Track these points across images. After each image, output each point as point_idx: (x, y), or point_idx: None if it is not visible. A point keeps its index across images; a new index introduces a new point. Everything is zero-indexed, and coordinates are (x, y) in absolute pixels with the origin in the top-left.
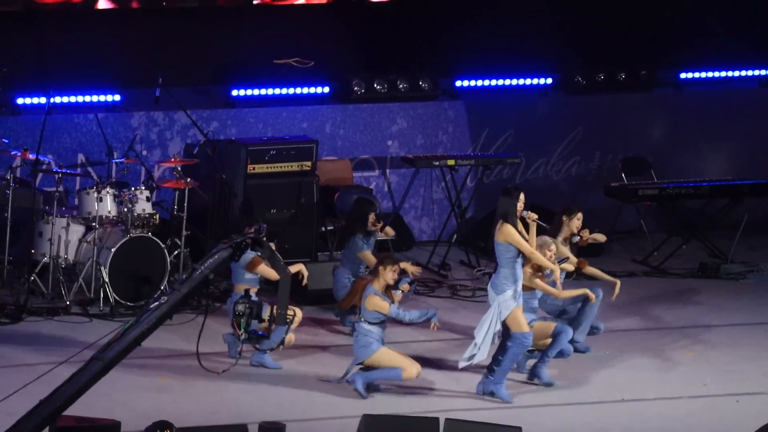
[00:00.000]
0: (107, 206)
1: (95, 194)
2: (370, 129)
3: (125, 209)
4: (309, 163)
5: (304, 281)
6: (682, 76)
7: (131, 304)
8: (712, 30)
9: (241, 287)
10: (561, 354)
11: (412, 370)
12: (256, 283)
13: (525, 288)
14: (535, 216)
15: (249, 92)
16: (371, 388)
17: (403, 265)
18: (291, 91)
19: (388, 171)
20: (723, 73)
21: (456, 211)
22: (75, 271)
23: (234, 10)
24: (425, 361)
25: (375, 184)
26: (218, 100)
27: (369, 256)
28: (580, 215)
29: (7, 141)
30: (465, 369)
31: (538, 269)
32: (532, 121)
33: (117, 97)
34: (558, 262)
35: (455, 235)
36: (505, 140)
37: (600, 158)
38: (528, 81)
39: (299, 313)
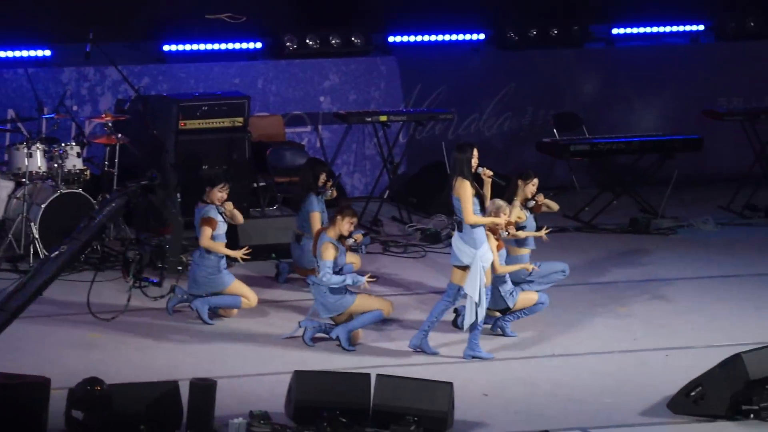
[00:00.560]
0: (37, 162)
1: (25, 150)
2: (302, 85)
3: (55, 165)
4: (241, 119)
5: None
6: (614, 31)
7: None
8: None
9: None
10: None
11: (388, 306)
12: (222, 239)
13: None
14: (491, 172)
15: (180, 47)
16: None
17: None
18: (223, 46)
19: (320, 127)
20: (655, 29)
21: (388, 167)
22: (4, 227)
23: None
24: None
25: (307, 140)
26: (149, 56)
27: (317, 218)
28: (535, 181)
29: None
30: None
31: (494, 232)
32: (464, 77)
33: (47, 53)
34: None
35: (387, 191)
36: (438, 96)
37: (532, 114)
38: (460, 37)
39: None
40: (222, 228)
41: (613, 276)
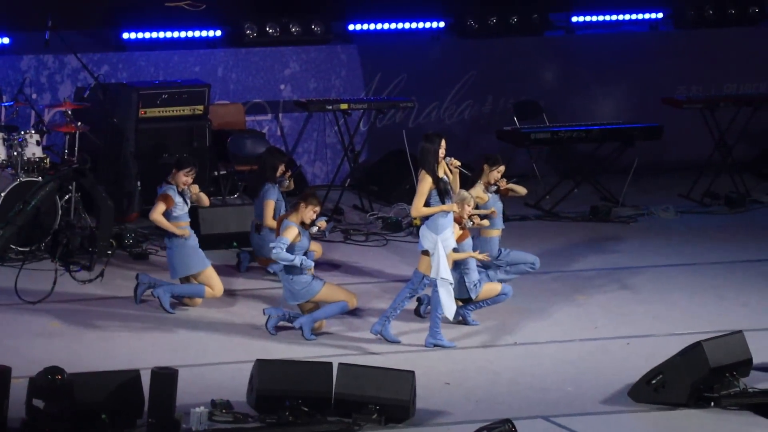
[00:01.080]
0: None
1: None
2: (262, 73)
3: (15, 153)
4: (201, 107)
5: None
6: (574, 19)
7: (22, 249)
8: None
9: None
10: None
11: (353, 299)
12: (184, 219)
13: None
14: (458, 162)
15: (140, 35)
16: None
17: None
18: (183, 34)
19: (280, 115)
20: (614, 17)
21: (349, 155)
22: None
23: None
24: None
25: (268, 128)
26: (109, 44)
27: (271, 206)
28: (501, 168)
29: None
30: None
31: (457, 222)
32: (424, 65)
33: (6, 40)
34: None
35: (348, 180)
36: (398, 84)
37: (492, 102)
38: (420, 25)
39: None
40: (182, 209)
41: (574, 264)
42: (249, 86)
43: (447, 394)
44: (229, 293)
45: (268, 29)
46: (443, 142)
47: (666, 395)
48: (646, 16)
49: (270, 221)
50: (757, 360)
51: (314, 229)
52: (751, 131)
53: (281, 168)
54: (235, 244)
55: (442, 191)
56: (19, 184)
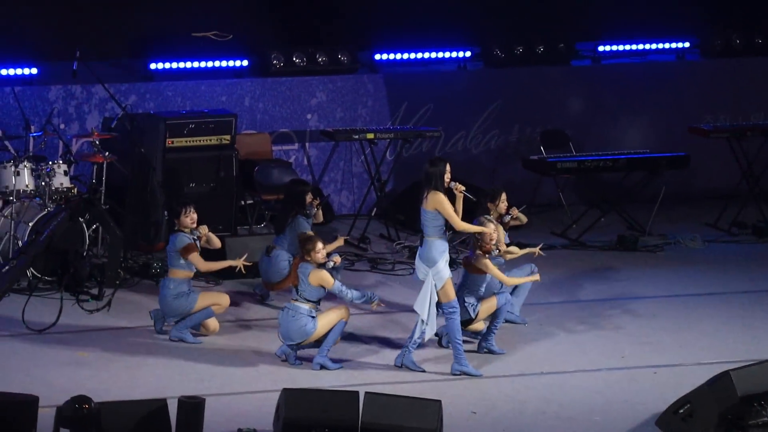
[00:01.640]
0: (24, 180)
1: (12, 168)
2: (289, 102)
3: (43, 183)
4: (228, 137)
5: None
6: (600, 48)
7: (49, 279)
8: (630, 2)
9: (175, 271)
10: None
11: (345, 312)
12: (190, 268)
13: (475, 270)
14: (463, 187)
15: (167, 65)
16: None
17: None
18: (210, 64)
19: (307, 145)
20: (641, 46)
21: (375, 184)
22: None
23: None
24: (346, 336)
25: (294, 157)
26: (136, 74)
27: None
28: (503, 196)
29: None
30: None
31: (485, 252)
32: (451, 94)
33: (34, 71)
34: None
35: (375, 209)
36: (425, 114)
37: (519, 131)
38: (447, 54)
39: (226, 300)
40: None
41: (601, 293)
42: (276, 116)
43: (473, 423)
44: (256, 321)
45: (294, 59)
46: (448, 167)
47: (693, 425)
48: (673, 45)
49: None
50: None
51: (330, 265)
52: None
53: (309, 197)
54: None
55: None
56: (47, 214)
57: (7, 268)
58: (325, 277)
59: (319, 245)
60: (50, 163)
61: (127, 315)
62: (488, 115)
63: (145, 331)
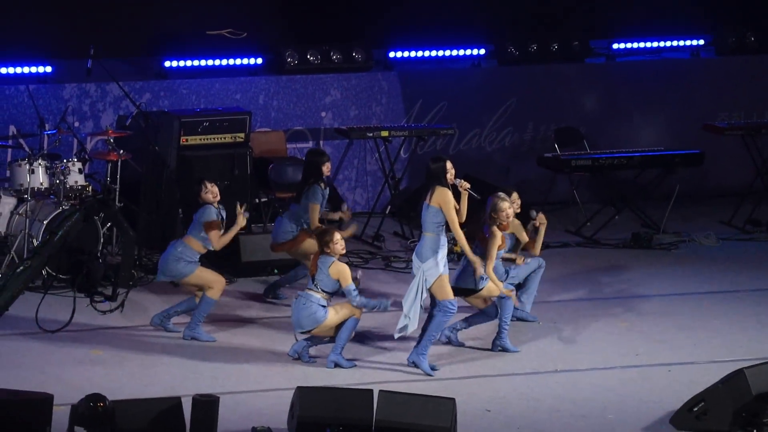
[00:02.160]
0: (39, 178)
1: (27, 166)
2: (303, 100)
3: (57, 181)
4: (242, 135)
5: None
6: (615, 46)
7: (63, 277)
8: (644, 0)
9: (190, 239)
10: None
11: (358, 311)
12: (205, 244)
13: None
14: (468, 185)
15: (181, 63)
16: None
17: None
18: (224, 62)
19: (321, 142)
20: (655, 44)
21: (390, 182)
22: (7, 244)
23: None
24: (359, 334)
25: None
26: (150, 72)
27: (316, 210)
28: (514, 196)
29: None
30: (401, 339)
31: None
32: (465, 92)
33: (48, 69)
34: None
35: (389, 207)
36: (439, 111)
37: (533, 129)
38: (461, 52)
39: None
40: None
41: (615, 291)
42: (290, 114)
43: (488, 421)
44: (269, 320)
45: (309, 57)
46: (449, 164)
47: (708, 423)
48: (687, 42)
49: (316, 223)
50: None
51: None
52: None
53: (327, 166)
54: (275, 271)
55: (458, 212)
56: (62, 212)
57: (21, 268)
58: (344, 272)
59: (337, 236)
60: (65, 161)
61: (141, 313)
62: (502, 113)
63: (159, 329)
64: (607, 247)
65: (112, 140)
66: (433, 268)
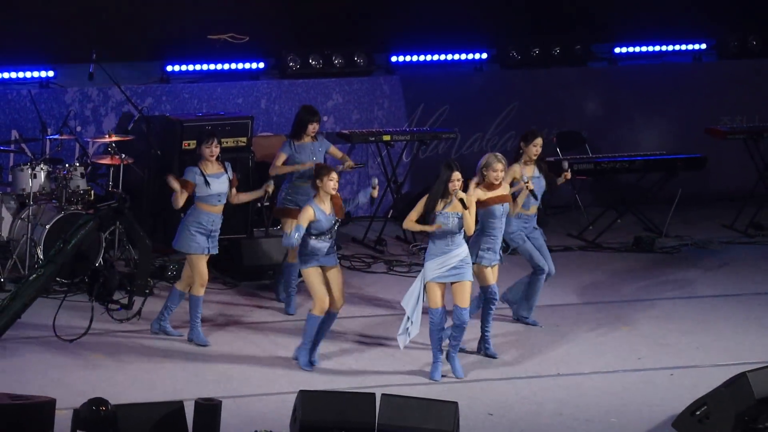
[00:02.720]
0: (41, 183)
1: (29, 171)
2: (305, 104)
3: (59, 186)
4: (244, 139)
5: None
6: (617, 50)
7: (66, 281)
8: (647, 4)
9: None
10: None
11: (318, 308)
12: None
13: (480, 206)
14: (462, 195)
15: (183, 68)
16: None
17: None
18: (226, 66)
19: None
20: (657, 48)
21: (392, 186)
22: (9, 248)
23: None
24: (362, 337)
25: None
26: (153, 76)
27: (280, 158)
28: (537, 141)
29: None
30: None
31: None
32: (467, 96)
33: (51, 73)
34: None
35: (391, 211)
36: (441, 115)
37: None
38: (463, 56)
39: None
40: (215, 187)
41: (617, 295)
42: (292, 118)
43: (490, 425)
44: (271, 324)
45: (311, 61)
46: (455, 174)
47: (710, 427)
48: (690, 47)
49: (272, 170)
50: None
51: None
52: None
53: (314, 126)
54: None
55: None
56: (64, 216)
57: (34, 276)
58: (303, 212)
59: (333, 174)
60: (67, 165)
61: (144, 317)
62: (504, 117)
63: (161, 333)
64: (610, 251)
65: (114, 145)
66: (428, 271)
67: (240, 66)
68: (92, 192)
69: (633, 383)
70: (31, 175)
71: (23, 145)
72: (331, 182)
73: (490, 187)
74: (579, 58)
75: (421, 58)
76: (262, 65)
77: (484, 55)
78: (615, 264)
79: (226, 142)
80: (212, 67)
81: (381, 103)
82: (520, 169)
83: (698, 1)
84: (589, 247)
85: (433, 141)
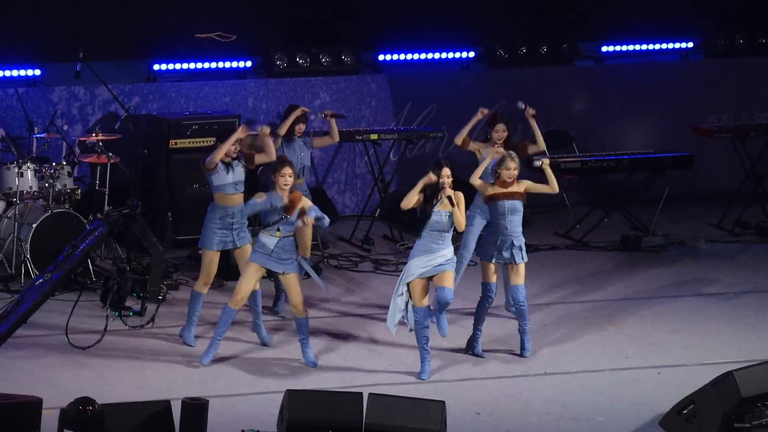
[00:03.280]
0: (28, 181)
1: (16, 169)
2: (292, 103)
3: (46, 184)
4: None
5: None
6: (604, 49)
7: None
8: (633, 3)
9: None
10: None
11: (234, 302)
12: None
13: (486, 200)
14: (449, 193)
15: (170, 66)
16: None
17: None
18: (213, 65)
19: None
20: (644, 46)
21: (379, 185)
22: None
23: None
24: (349, 337)
25: None
26: (139, 75)
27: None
28: (498, 126)
29: None
30: (393, 338)
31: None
32: (454, 94)
33: (37, 72)
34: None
35: (378, 210)
36: (428, 114)
37: (522, 132)
38: (450, 55)
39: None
40: (221, 179)
41: (604, 294)
42: (279, 116)
43: (477, 424)
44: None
45: (298, 60)
46: (445, 171)
47: (697, 425)
48: (677, 45)
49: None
50: None
51: (299, 224)
52: None
53: (300, 127)
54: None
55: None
56: (51, 215)
57: (41, 280)
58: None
59: (286, 170)
60: (54, 164)
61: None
62: None
63: (149, 332)
64: (597, 250)
65: (101, 143)
66: (408, 268)
67: (227, 65)
68: (79, 191)
69: (620, 382)
70: (17, 173)
71: (10, 144)
72: (282, 178)
73: (503, 185)
74: (566, 57)
75: (409, 56)
76: (249, 64)
77: (472, 54)
78: (602, 263)
79: (213, 141)
80: (199, 65)
81: (368, 102)
82: (484, 147)
83: (685, 0)
84: (576, 246)
85: (421, 140)
